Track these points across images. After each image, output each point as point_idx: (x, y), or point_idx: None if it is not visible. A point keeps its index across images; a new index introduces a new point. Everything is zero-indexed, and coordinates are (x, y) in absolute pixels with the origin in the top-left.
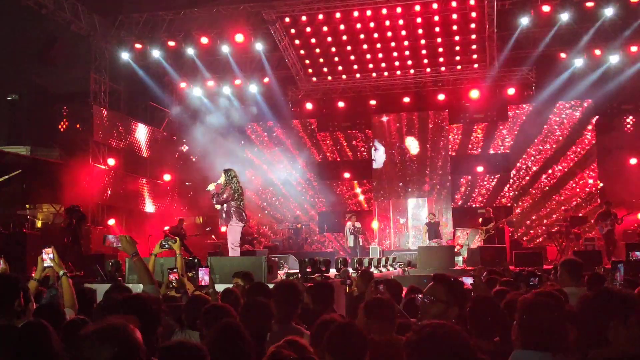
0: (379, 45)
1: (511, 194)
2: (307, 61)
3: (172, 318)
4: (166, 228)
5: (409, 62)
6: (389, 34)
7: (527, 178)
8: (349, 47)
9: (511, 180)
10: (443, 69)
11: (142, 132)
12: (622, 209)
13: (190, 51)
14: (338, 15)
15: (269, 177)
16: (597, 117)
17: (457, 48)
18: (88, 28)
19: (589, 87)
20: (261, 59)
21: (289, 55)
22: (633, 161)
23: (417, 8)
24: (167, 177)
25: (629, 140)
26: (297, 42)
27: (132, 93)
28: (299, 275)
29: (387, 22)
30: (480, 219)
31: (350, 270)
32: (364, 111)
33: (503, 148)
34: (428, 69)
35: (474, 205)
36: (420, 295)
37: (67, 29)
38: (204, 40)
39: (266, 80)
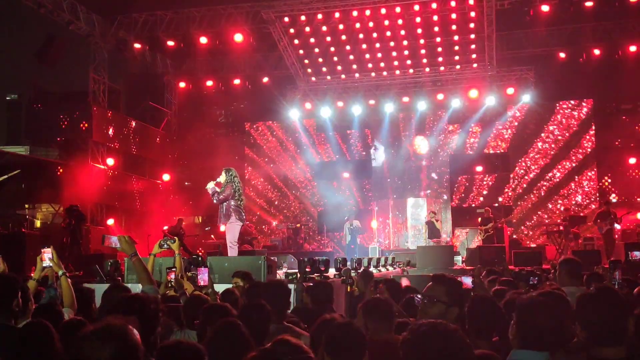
0: (378, 45)
1: (510, 193)
2: (306, 61)
3: (171, 318)
4: (165, 228)
5: (408, 62)
6: (388, 33)
7: (526, 178)
8: (348, 47)
9: (510, 180)
10: (442, 68)
11: (141, 132)
12: (622, 208)
13: (189, 51)
14: (337, 14)
15: (268, 176)
16: (596, 116)
17: (456, 48)
18: (87, 28)
19: (588, 87)
20: (260, 58)
21: (288, 54)
22: (632, 161)
23: (416, 8)
24: (166, 177)
25: (628, 140)
26: (296, 41)
27: (131, 93)
28: (298, 275)
29: (386, 22)
30: (480, 219)
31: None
32: (363, 111)
33: (502, 148)
34: (427, 69)
35: (472, 205)
36: (418, 296)
37: (66, 29)
38: (203, 39)
39: (265, 80)
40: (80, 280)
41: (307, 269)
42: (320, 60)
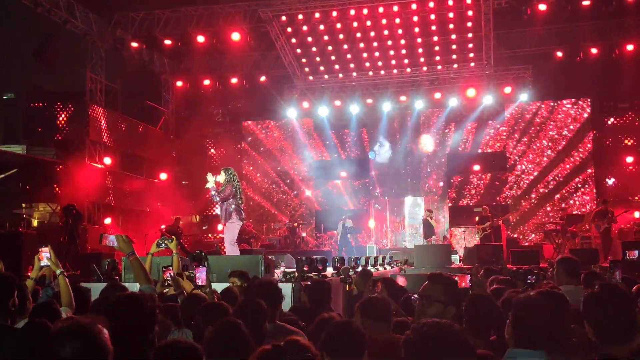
0: (375, 44)
1: (507, 192)
2: (303, 60)
3: (169, 317)
4: (162, 227)
5: (406, 61)
6: (386, 32)
7: (524, 176)
8: (345, 46)
9: (507, 179)
10: (439, 67)
11: (138, 131)
12: (619, 207)
13: (186, 50)
14: (334, 13)
15: (265, 175)
16: (593, 115)
17: (454, 47)
18: (84, 27)
19: (585, 85)
20: (257, 57)
21: (286, 53)
22: (629, 159)
23: (414, 7)
24: (163, 176)
25: (626, 139)
26: (293, 40)
27: (128, 92)
28: (296, 274)
29: (384, 21)
30: (477, 218)
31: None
32: (360, 109)
33: (499, 146)
34: (424, 68)
35: (470, 204)
36: (415, 296)
37: (63, 28)
38: (201, 38)
39: (263, 78)
40: (78, 280)
41: (305, 268)
42: (318, 59)
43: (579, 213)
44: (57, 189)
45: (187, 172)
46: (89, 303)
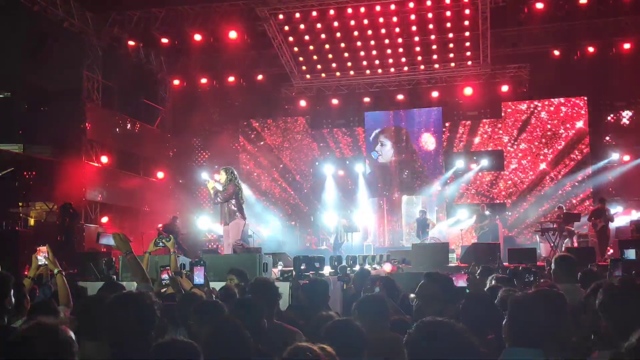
0: (372, 42)
1: (504, 190)
2: (300, 58)
3: (166, 316)
4: (159, 226)
5: (403, 60)
6: (383, 30)
7: (520, 175)
8: (342, 44)
9: (504, 177)
10: (437, 66)
11: (135, 130)
12: (616, 206)
13: (183, 48)
14: (332, 12)
15: (262, 174)
16: (590, 114)
17: (451, 45)
18: (81, 25)
19: (582, 84)
20: (255, 56)
21: (283, 52)
22: (626, 158)
23: (411, 5)
24: (160, 175)
25: (623, 137)
26: (290, 39)
27: (125, 90)
28: (293, 272)
29: (381, 19)
30: (475, 216)
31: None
32: (357, 108)
33: (496, 145)
34: (422, 66)
35: (467, 202)
36: (412, 295)
37: (59, 26)
38: (197, 37)
39: (260, 77)
40: (75, 278)
41: (302, 267)
42: (315, 57)
43: (576, 211)
44: (53, 187)
45: (184, 170)
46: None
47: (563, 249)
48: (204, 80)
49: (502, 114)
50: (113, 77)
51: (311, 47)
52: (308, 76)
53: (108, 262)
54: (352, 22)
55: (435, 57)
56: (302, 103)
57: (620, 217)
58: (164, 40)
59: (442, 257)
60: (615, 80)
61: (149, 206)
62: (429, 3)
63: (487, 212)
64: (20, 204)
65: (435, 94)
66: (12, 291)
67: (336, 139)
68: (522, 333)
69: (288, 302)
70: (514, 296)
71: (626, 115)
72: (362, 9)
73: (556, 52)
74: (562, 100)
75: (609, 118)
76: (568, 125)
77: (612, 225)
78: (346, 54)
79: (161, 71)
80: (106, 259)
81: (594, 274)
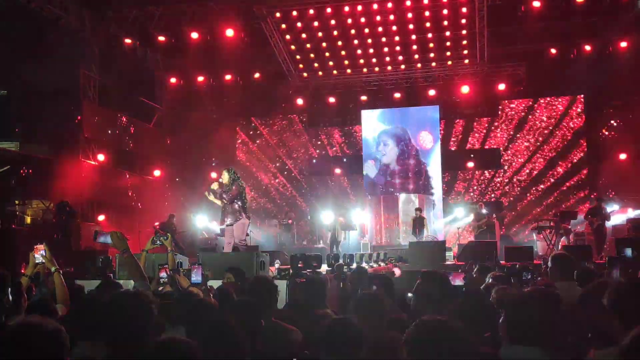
0: (369, 41)
1: (501, 189)
2: (297, 56)
3: (163, 315)
4: (156, 224)
5: (400, 58)
6: (380, 29)
7: (518, 173)
8: (339, 43)
9: (501, 176)
10: (434, 64)
11: (132, 128)
12: (612, 204)
13: (180, 46)
14: (329, 10)
15: (259, 172)
16: (586, 112)
17: (448, 43)
18: (77, 23)
19: (579, 82)
20: (252, 54)
21: (280, 50)
22: (623, 156)
23: (408, 3)
24: (157, 173)
25: (619, 136)
26: (287, 37)
27: (121, 88)
28: (291, 271)
29: (378, 17)
30: (472, 214)
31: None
32: (354, 107)
33: (493, 143)
34: (419, 65)
35: (464, 200)
36: (409, 294)
37: (56, 24)
38: (194, 35)
39: (257, 75)
40: (72, 277)
41: (299, 265)
42: (312, 55)
43: (573, 210)
44: (50, 186)
45: (181, 169)
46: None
47: (559, 247)
48: (200, 79)
49: (499, 112)
50: (110, 75)
51: (308, 45)
52: (305, 74)
53: (105, 261)
54: (349, 20)
55: (432, 55)
56: (299, 101)
57: (617, 215)
58: (161, 38)
59: (439, 256)
60: (612, 78)
61: (145, 204)
62: (426, 1)
63: (484, 211)
64: (16, 202)
65: (432, 92)
66: (9, 289)
67: (333, 137)
68: (518, 331)
69: (285, 301)
70: (510, 295)
71: (623, 113)
72: (359, 7)
73: (553, 51)
74: (558, 98)
75: (606, 116)
76: (565, 124)
77: (609, 224)
78: (343, 52)
79: (158, 69)
80: (103, 257)
81: (591, 272)
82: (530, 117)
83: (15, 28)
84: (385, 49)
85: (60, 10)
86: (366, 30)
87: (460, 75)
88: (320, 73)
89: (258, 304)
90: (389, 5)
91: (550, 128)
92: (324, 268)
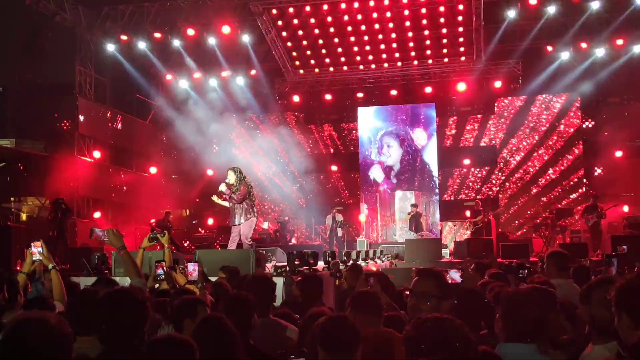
0: (366, 38)
1: (498, 186)
2: (294, 53)
3: (159, 312)
4: (152, 221)
5: (397, 55)
6: (377, 26)
7: (514, 171)
8: (336, 40)
9: (498, 173)
10: (430, 61)
11: (127, 125)
12: (609, 201)
13: (176, 43)
14: (325, 7)
15: (256, 169)
16: (583, 110)
17: (444, 41)
18: (73, 19)
19: (575, 80)
20: (248, 51)
21: (276, 47)
22: (619, 154)
23: (405, 0)
24: (153, 170)
25: (615, 133)
26: (284, 34)
27: (117, 85)
28: (287, 268)
29: (375, 14)
30: (468, 212)
31: (339, 263)
32: (351, 104)
33: (490, 141)
34: (415, 62)
35: (461, 198)
36: (407, 292)
37: (51, 21)
38: (190, 31)
39: (253, 72)
40: (67, 274)
41: (295, 262)
42: (308, 52)
43: (569, 207)
44: (46, 182)
45: (177, 166)
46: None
47: (555, 245)
48: (197, 75)
49: (495, 110)
50: (105, 71)
51: (304, 42)
52: (301, 71)
53: (101, 258)
54: (346, 17)
55: (428, 52)
56: (296, 98)
57: (613, 213)
58: (157, 35)
59: (435, 253)
60: (609, 76)
61: (141, 201)
62: None
63: (480, 208)
64: (12, 198)
65: (428, 89)
66: (4, 286)
67: (329, 134)
68: (514, 329)
69: (282, 298)
70: (505, 292)
71: (619, 111)
72: (356, 4)
73: (549, 48)
74: (554, 96)
75: (602, 114)
76: (561, 121)
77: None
78: (340, 49)
79: (154, 66)
80: (99, 254)
81: (587, 269)
82: (526, 114)
83: (10, 24)
84: (382, 46)
85: (55, 7)
86: (362, 27)
87: (456, 73)
88: (316, 70)
89: (249, 301)
90: (386, 2)
91: (547, 126)
92: (321, 265)
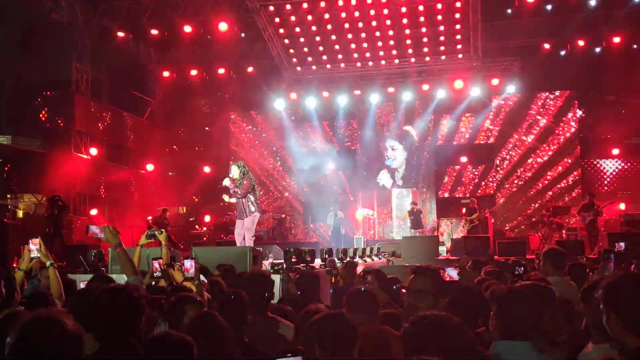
0: (363, 35)
1: (494, 184)
2: (291, 50)
3: (155, 309)
4: (149, 218)
5: (394, 52)
6: (374, 23)
7: (510, 168)
8: (333, 37)
9: (494, 171)
10: (427, 59)
11: (124, 122)
12: (605, 199)
13: (173, 39)
14: (323, 4)
15: (253, 167)
16: (579, 107)
17: (442, 38)
18: (69, 15)
19: (572, 78)
20: (245, 48)
21: (273, 44)
22: (615, 151)
23: None
24: (150, 167)
25: (611, 131)
26: (281, 31)
27: (114, 82)
28: (284, 265)
29: (372, 12)
30: (464, 209)
31: (336, 260)
32: (348, 101)
33: (486, 138)
34: (412, 59)
35: (457, 196)
36: (403, 290)
37: (48, 17)
38: (187, 28)
39: (250, 69)
40: (64, 271)
41: (293, 260)
42: (306, 49)
43: (566, 205)
44: (42, 179)
45: (174, 163)
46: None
47: (552, 242)
48: (193, 72)
49: (492, 107)
50: (102, 68)
51: (302, 39)
52: (299, 68)
53: (97, 255)
54: (343, 14)
55: (426, 49)
56: (293, 95)
57: (609, 210)
58: (154, 32)
59: (432, 250)
60: (605, 74)
61: (138, 198)
62: None
63: (475, 206)
64: (8, 195)
65: (426, 86)
66: (2, 283)
67: (327, 131)
68: (509, 326)
69: (278, 295)
70: (499, 290)
71: (615, 109)
72: (353, 1)
73: (546, 46)
74: (552, 93)
75: (598, 112)
76: (558, 119)
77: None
78: (337, 46)
79: (151, 62)
80: (95, 251)
81: (583, 266)
82: (523, 112)
83: (6, 21)
84: (379, 44)
85: (51, 3)
86: (360, 25)
87: (454, 70)
88: (314, 67)
89: (241, 298)
90: None
91: (543, 123)
92: (318, 262)
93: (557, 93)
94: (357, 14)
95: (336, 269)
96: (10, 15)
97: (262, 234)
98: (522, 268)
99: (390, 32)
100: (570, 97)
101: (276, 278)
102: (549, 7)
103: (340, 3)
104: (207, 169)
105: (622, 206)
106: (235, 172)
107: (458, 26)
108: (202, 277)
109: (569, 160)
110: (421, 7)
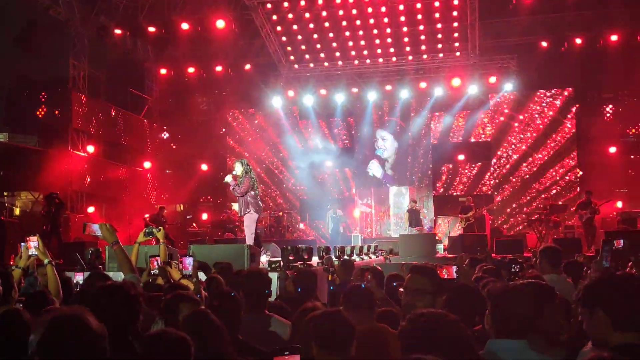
0: (361, 32)
1: (492, 182)
2: (288, 48)
3: (153, 307)
4: (146, 216)
5: (391, 50)
6: (372, 21)
7: (508, 166)
8: (331, 34)
9: (492, 169)
10: (425, 56)
11: (121, 119)
12: (602, 197)
13: (170, 37)
14: (320, 1)
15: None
16: (577, 105)
17: (439, 36)
18: (67, 13)
19: (569, 76)
20: (242, 45)
21: (271, 41)
22: (612, 150)
23: None
24: (147, 165)
25: (609, 129)
26: (278, 28)
27: (111, 79)
28: (282, 263)
29: (370, 9)
30: (460, 208)
31: (333, 258)
32: (346, 99)
33: (484, 136)
34: (410, 57)
35: (455, 194)
36: (401, 289)
37: (45, 14)
38: (185, 26)
39: (247, 67)
40: (61, 269)
41: (290, 257)
42: (303, 47)
43: (563, 203)
44: (39, 177)
45: (171, 160)
46: (70, 292)
47: (549, 240)
48: (191, 70)
49: (490, 105)
50: (100, 66)
51: (299, 37)
52: (296, 66)
53: (95, 252)
54: (341, 12)
55: (423, 47)
56: (290, 93)
57: (606, 208)
58: (151, 29)
59: (429, 248)
60: (602, 72)
61: (135, 196)
62: None
63: (471, 204)
64: (5, 193)
65: (423, 84)
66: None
67: (324, 129)
68: (504, 325)
69: (276, 293)
70: (494, 288)
71: (612, 107)
72: None
73: (544, 44)
74: (549, 91)
75: (596, 109)
76: (555, 117)
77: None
78: (334, 44)
79: (148, 60)
80: (92, 249)
81: (579, 264)
82: (520, 109)
83: (4, 18)
84: (377, 41)
85: (49, 1)
86: (357, 22)
87: (451, 68)
88: (311, 65)
89: (235, 298)
90: None
91: (541, 121)
92: (315, 260)
93: (555, 91)
94: (354, 11)
95: (333, 266)
96: (7, 12)
97: (259, 231)
98: (518, 266)
99: (388, 30)
100: (568, 95)
101: (273, 276)
102: (546, 4)
103: (338, 1)
104: (204, 167)
105: (619, 204)
106: (238, 169)
107: (455, 24)
108: (200, 275)
109: (566, 158)
110: (419, 5)
